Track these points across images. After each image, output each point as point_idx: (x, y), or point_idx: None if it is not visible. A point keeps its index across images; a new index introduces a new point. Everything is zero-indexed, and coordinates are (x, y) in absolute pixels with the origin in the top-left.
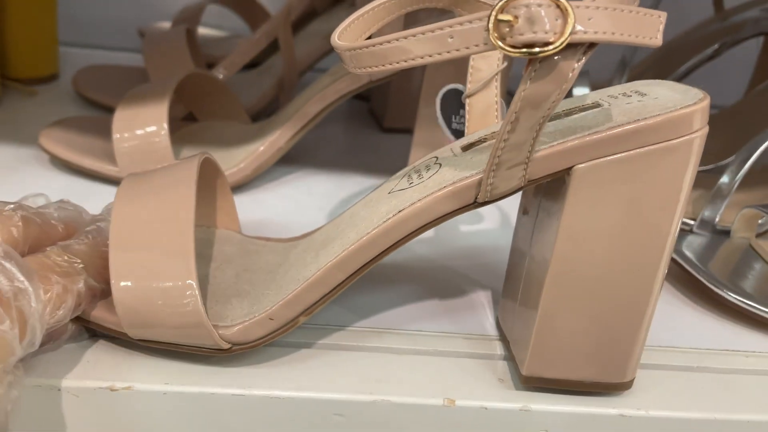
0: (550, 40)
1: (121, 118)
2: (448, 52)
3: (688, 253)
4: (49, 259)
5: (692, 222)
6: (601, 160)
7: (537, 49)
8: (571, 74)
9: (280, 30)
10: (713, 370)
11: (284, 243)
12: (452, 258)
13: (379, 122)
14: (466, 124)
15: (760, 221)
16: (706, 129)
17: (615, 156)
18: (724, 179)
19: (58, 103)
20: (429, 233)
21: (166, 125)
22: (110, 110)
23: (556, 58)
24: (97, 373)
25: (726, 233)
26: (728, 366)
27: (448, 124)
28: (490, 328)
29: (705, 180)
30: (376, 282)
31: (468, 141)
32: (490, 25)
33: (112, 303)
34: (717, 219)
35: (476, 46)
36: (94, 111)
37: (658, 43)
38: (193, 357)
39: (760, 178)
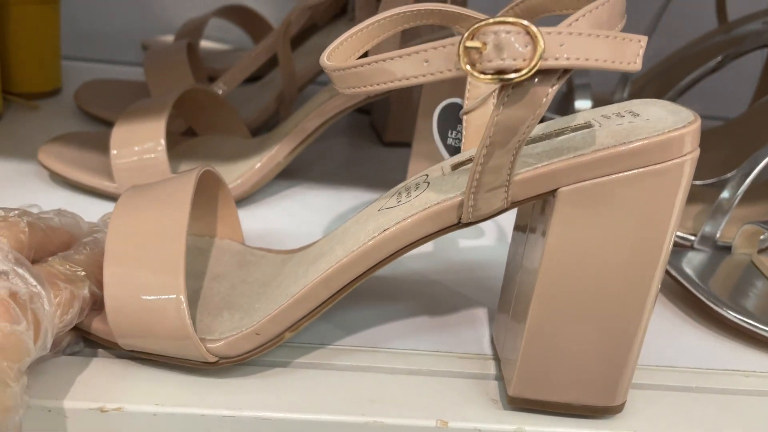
0: (520, 67)
1: (118, 134)
2: (424, 76)
3: (688, 270)
4: (53, 268)
5: (693, 238)
6: (587, 183)
7: (507, 76)
8: (545, 99)
9: (279, 45)
10: (712, 390)
11: (283, 255)
12: (450, 272)
13: (380, 136)
14: (463, 140)
15: (761, 237)
16: (698, 151)
17: (600, 179)
18: (725, 194)
19: (60, 117)
20: (428, 247)
21: (163, 141)
22: (112, 125)
23: (528, 83)
24: (87, 394)
25: (727, 249)
26: (727, 386)
27: (444, 139)
28: (486, 346)
29: (707, 194)
30: (371, 297)
31: (458, 159)
32: (460, 52)
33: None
34: (718, 235)
35: (449, 70)
36: (96, 126)
37: (636, 68)
38: (184, 376)
39: (762, 193)
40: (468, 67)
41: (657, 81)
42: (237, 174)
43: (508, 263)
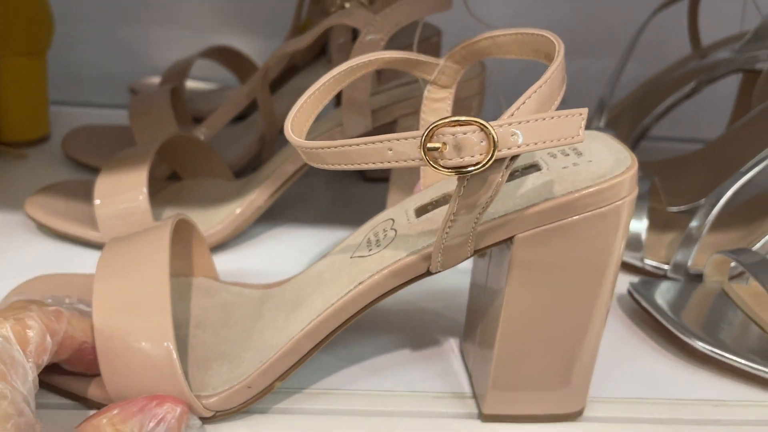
0: (478, 161)
1: (102, 184)
2: (389, 162)
3: (659, 300)
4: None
5: (666, 267)
6: (539, 229)
7: (466, 170)
8: (500, 179)
9: (258, 90)
10: (681, 421)
11: (259, 291)
12: (417, 303)
13: (362, 172)
14: (421, 176)
15: (732, 265)
16: (635, 193)
17: (551, 225)
18: (694, 223)
19: (49, 165)
20: None
21: (144, 190)
22: (99, 171)
23: (486, 171)
24: None
25: (700, 277)
26: (697, 416)
27: None
28: (459, 380)
29: (682, 221)
30: (345, 336)
31: (420, 203)
32: (422, 151)
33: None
34: (690, 263)
35: (413, 161)
36: (84, 172)
37: (580, 140)
38: None
39: (734, 220)
40: (431, 162)
41: (633, 108)
42: (218, 219)
43: (471, 285)
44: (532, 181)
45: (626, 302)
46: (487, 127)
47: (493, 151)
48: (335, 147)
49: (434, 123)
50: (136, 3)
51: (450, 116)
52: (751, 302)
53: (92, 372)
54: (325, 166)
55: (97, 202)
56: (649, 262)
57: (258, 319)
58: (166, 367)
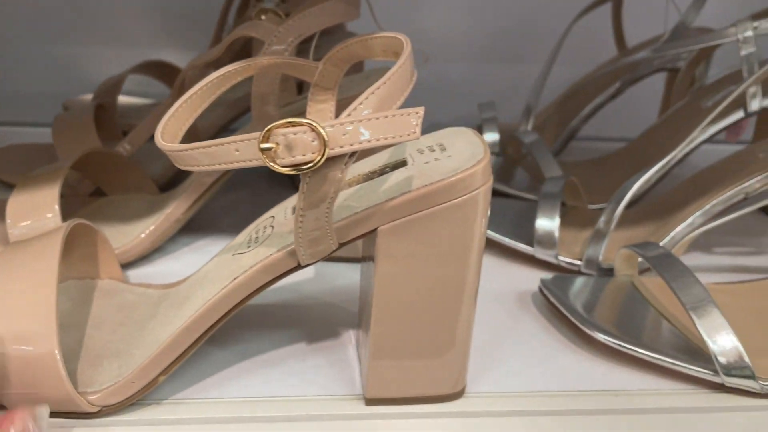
0: (311, 159)
1: (13, 204)
2: (237, 162)
3: (570, 295)
4: None
5: (579, 263)
6: (399, 221)
7: (301, 167)
8: (340, 176)
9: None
10: (580, 412)
11: (160, 291)
12: (310, 299)
13: (291, 178)
14: None
15: (639, 259)
16: (489, 183)
17: (410, 217)
18: (603, 219)
19: None
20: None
21: (56, 207)
22: None
23: (323, 168)
24: None
25: (612, 271)
26: (596, 407)
27: None
28: (353, 367)
29: (599, 218)
30: (240, 334)
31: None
32: (257, 152)
33: None
34: (600, 258)
35: (256, 161)
36: (9, 192)
37: (416, 137)
38: None
39: (649, 214)
40: (270, 162)
41: (561, 110)
42: (137, 232)
43: (361, 287)
44: (396, 176)
45: (539, 299)
46: (317, 128)
47: (325, 149)
48: (191, 150)
49: (271, 125)
50: (70, 21)
51: (287, 119)
52: (657, 294)
53: None
54: (192, 168)
55: (8, 221)
56: (563, 259)
57: (153, 318)
58: (49, 368)
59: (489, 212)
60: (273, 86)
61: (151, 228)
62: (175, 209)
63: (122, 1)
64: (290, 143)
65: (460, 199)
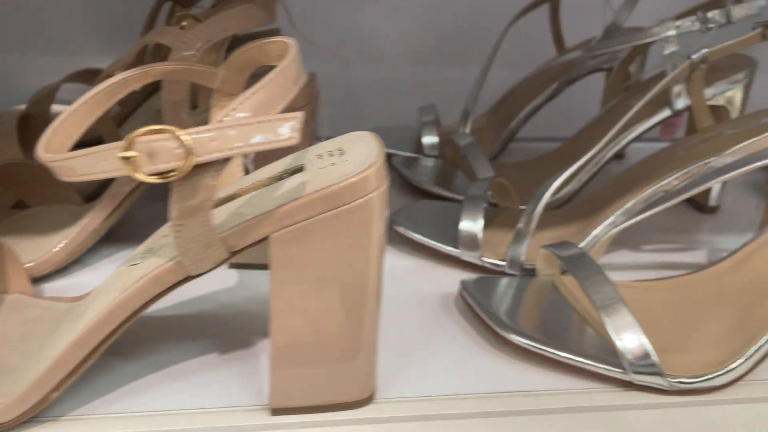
0: (175, 167)
1: None
2: (109, 171)
3: (491, 296)
4: None
5: (504, 263)
6: (291, 228)
7: (167, 176)
8: (213, 182)
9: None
10: (487, 414)
11: (68, 304)
12: (241, 305)
13: None
14: None
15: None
16: (384, 187)
17: (302, 223)
18: (522, 220)
19: None
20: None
21: None
22: None
23: (193, 176)
24: None
25: (534, 271)
26: (504, 408)
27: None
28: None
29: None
30: (151, 345)
31: None
32: (120, 162)
33: None
34: (523, 258)
35: (121, 170)
36: None
37: (294, 142)
38: None
39: (575, 214)
40: (133, 172)
41: (500, 112)
42: (53, 243)
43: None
44: (291, 182)
45: (462, 301)
46: (181, 137)
47: (189, 157)
48: (58, 160)
49: (132, 133)
50: (2, 29)
51: (150, 126)
52: (577, 293)
53: None
54: (72, 178)
55: None
56: (487, 260)
57: (55, 332)
58: None
59: (387, 215)
60: (184, 93)
61: (67, 240)
62: (92, 220)
63: (58, 9)
64: (153, 151)
65: (353, 203)
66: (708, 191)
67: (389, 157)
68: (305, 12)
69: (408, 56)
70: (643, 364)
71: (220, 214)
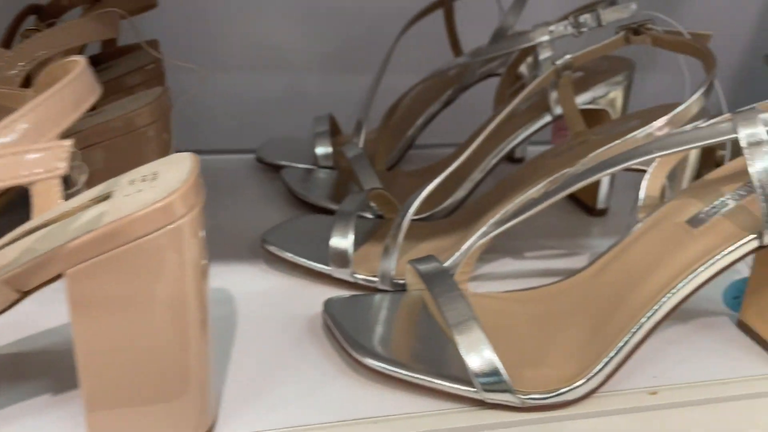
0: None
1: None
2: None
3: (352, 315)
4: None
5: (375, 279)
6: (88, 263)
7: None
8: None
9: None
10: None
11: None
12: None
13: None
14: None
15: None
16: (195, 211)
17: (99, 258)
18: (391, 233)
19: None
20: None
21: None
22: None
23: None
24: None
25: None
26: None
27: None
28: None
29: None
30: None
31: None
32: None
33: None
34: (393, 273)
35: None
36: None
37: (63, 172)
38: None
39: (454, 225)
40: None
41: (395, 120)
42: None
43: None
44: (91, 213)
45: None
46: None
47: None
48: None
49: None
50: None
51: None
52: None
53: None
54: None
55: None
56: (359, 276)
57: None
58: None
59: (203, 238)
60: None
61: None
62: None
63: None
64: None
65: (156, 233)
66: (595, 193)
67: (279, 170)
68: (209, 19)
69: (316, 65)
70: (492, 381)
71: (12, 251)
